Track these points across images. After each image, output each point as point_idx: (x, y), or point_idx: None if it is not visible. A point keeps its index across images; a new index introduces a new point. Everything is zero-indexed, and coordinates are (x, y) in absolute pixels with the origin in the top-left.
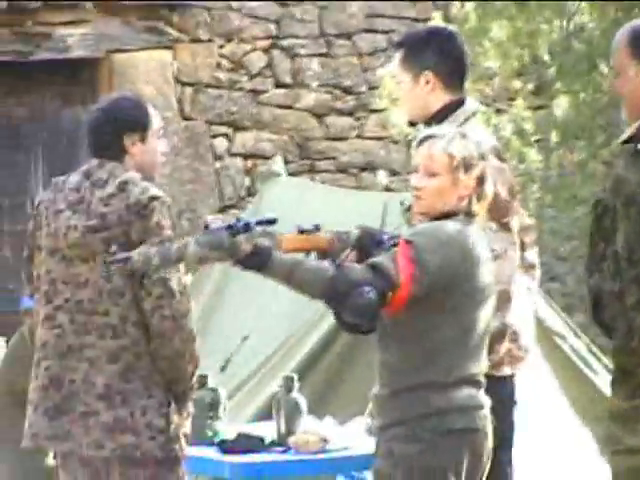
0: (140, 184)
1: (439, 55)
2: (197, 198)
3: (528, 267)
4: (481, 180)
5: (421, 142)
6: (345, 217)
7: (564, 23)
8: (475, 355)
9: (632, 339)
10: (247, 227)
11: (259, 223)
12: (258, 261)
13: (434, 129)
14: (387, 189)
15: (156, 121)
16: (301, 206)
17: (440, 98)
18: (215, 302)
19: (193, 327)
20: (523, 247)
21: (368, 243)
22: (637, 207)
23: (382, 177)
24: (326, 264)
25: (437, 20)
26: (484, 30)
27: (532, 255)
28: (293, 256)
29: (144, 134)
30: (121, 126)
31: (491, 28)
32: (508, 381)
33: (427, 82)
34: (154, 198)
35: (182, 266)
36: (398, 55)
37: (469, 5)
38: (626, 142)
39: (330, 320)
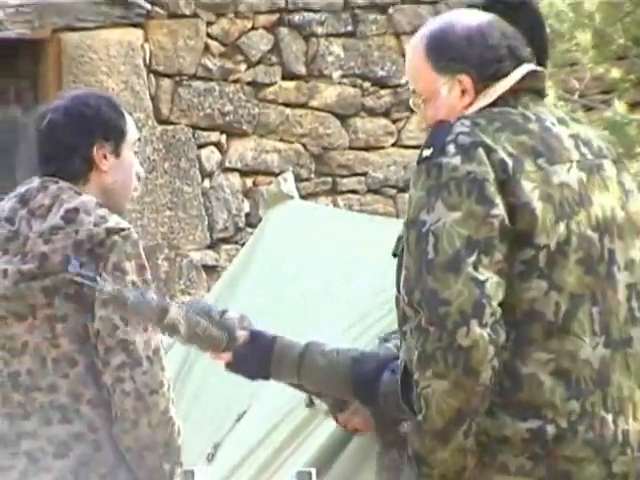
0: (95, 212)
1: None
2: (179, 229)
3: None
4: None
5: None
6: (378, 256)
7: None
8: None
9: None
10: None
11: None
12: (261, 349)
13: None
14: None
15: (132, 130)
16: (319, 240)
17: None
18: (198, 365)
19: (170, 406)
20: None
21: None
22: (416, 231)
23: None
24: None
25: None
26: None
27: None
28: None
29: (119, 145)
30: (90, 131)
31: None
32: None
33: None
34: (113, 231)
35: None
36: None
37: None
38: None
39: None
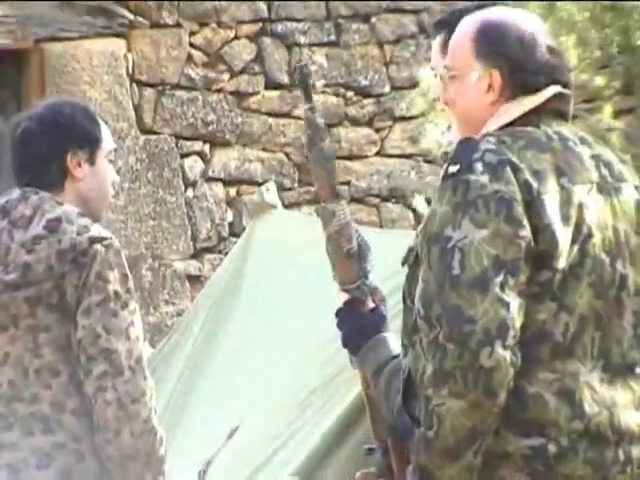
0: (77, 221)
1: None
2: (162, 239)
3: None
4: None
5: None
6: None
7: None
8: None
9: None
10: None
11: None
12: (371, 324)
13: None
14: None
15: (108, 139)
16: (303, 251)
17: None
18: (192, 378)
19: (152, 415)
20: None
21: None
22: (440, 246)
23: (419, 204)
24: None
25: None
26: (551, 6)
27: None
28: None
29: (94, 153)
30: (64, 139)
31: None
32: None
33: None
34: (96, 240)
35: (139, 329)
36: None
37: None
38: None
39: (348, 399)
